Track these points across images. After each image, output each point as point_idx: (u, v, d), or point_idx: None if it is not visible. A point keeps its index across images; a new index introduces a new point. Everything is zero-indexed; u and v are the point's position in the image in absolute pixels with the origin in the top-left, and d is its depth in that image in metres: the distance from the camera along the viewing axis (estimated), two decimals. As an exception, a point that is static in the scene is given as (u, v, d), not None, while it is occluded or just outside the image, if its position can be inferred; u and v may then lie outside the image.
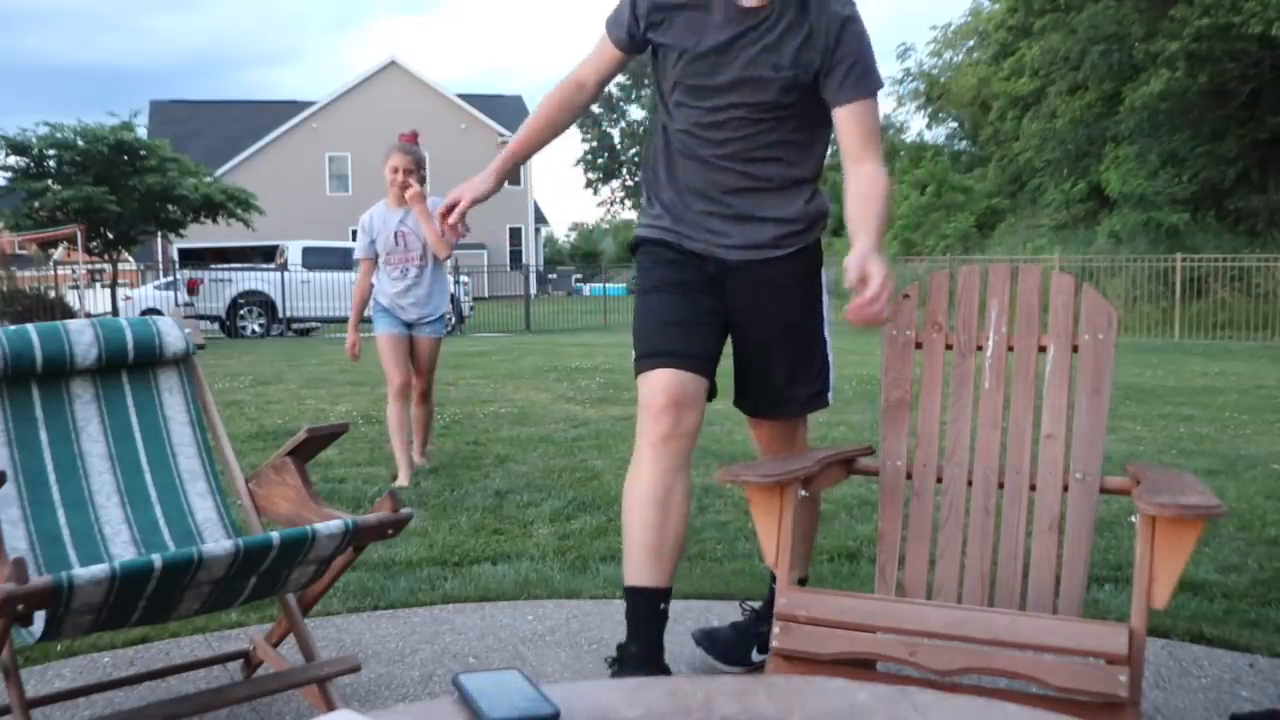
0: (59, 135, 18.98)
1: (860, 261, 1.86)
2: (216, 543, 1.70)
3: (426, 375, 4.79)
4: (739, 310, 2.25)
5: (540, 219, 39.70)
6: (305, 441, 2.21)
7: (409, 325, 4.68)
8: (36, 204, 19.25)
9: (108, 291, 20.26)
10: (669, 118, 2.22)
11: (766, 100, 2.09)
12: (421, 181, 4.61)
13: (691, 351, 2.15)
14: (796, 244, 2.23)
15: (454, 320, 18.73)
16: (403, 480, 4.57)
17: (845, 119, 2.06)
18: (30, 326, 2.27)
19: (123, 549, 2.20)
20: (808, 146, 2.19)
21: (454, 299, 18.65)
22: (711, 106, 2.13)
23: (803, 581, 2.35)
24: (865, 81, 2.05)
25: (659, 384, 2.11)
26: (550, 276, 37.34)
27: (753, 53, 2.06)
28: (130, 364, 2.37)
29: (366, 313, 4.78)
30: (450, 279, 4.86)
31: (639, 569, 2.09)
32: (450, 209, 2.24)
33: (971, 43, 29.80)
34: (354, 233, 4.85)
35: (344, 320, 18.02)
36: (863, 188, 2.04)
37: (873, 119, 2.07)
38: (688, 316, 2.19)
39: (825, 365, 2.34)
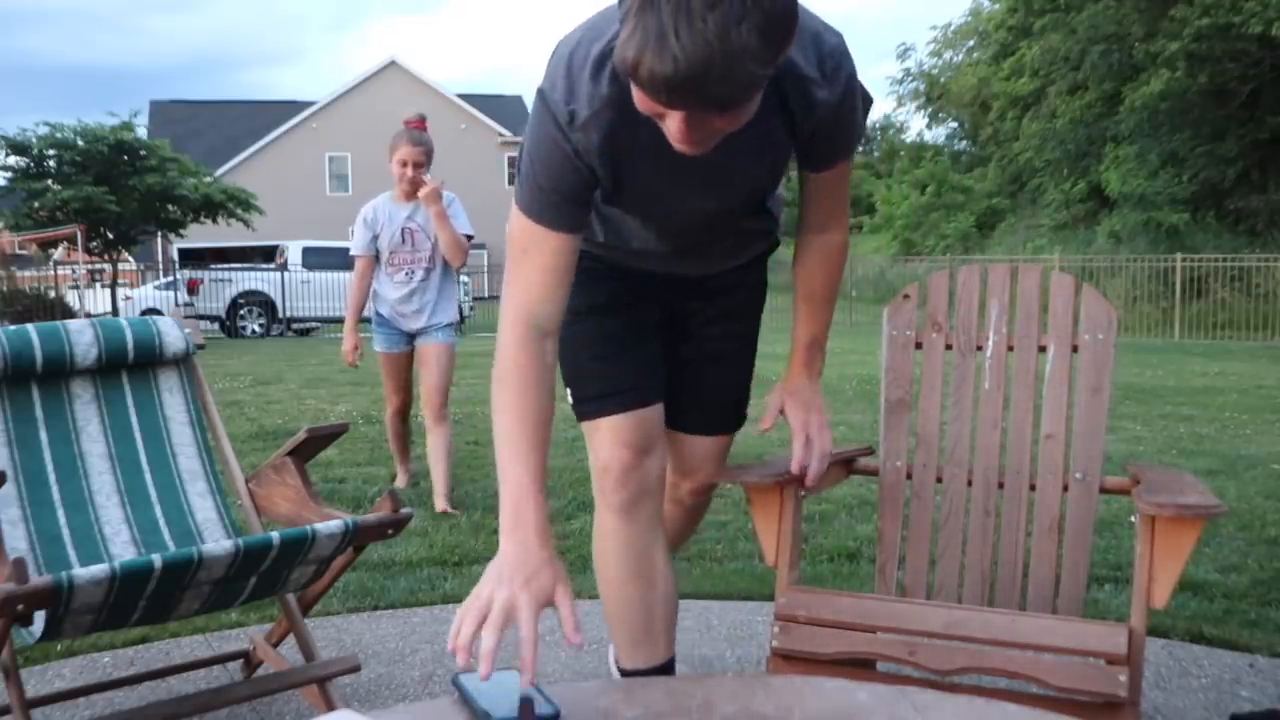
0: (59, 135, 18.99)
1: (804, 403, 1.73)
2: (216, 543, 1.70)
3: (438, 392, 4.10)
4: (692, 317, 1.86)
5: (540, 219, 39.69)
6: (305, 441, 2.21)
7: (412, 337, 4.15)
8: (36, 204, 19.25)
9: (108, 291, 20.26)
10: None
11: (740, 210, 1.65)
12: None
13: (644, 380, 1.75)
14: (760, 248, 1.87)
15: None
16: (400, 483, 4.43)
17: (816, 185, 1.61)
18: (30, 326, 2.27)
19: (123, 549, 2.20)
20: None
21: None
22: (670, 227, 1.66)
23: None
24: (845, 143, 1.55)
25: (616, 435, 1.70)
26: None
27: (721, 186, 1.54)
28: (130, 364, 2.37)
29: (366, 312, 4.25)
30: (458, 283, 4.19)
31: (630, 652, 1.78)
32: None
33: (971, 43, 29.84)
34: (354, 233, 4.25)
35: (344, 321, 17.88)
36: (823, 265, 1.71)
37: (846, 179, 1.65)
38: (631, 335, 1.77)
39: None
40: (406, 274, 4.09)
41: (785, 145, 1.49)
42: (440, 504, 4.08)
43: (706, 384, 1.89)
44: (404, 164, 4.00)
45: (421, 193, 3.97)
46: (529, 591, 1.18)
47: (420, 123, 4.10)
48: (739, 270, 1.85)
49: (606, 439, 1.71)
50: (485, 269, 30.17)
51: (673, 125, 1.14)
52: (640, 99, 1.13)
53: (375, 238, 4.10)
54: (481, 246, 33.29)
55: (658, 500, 1.77)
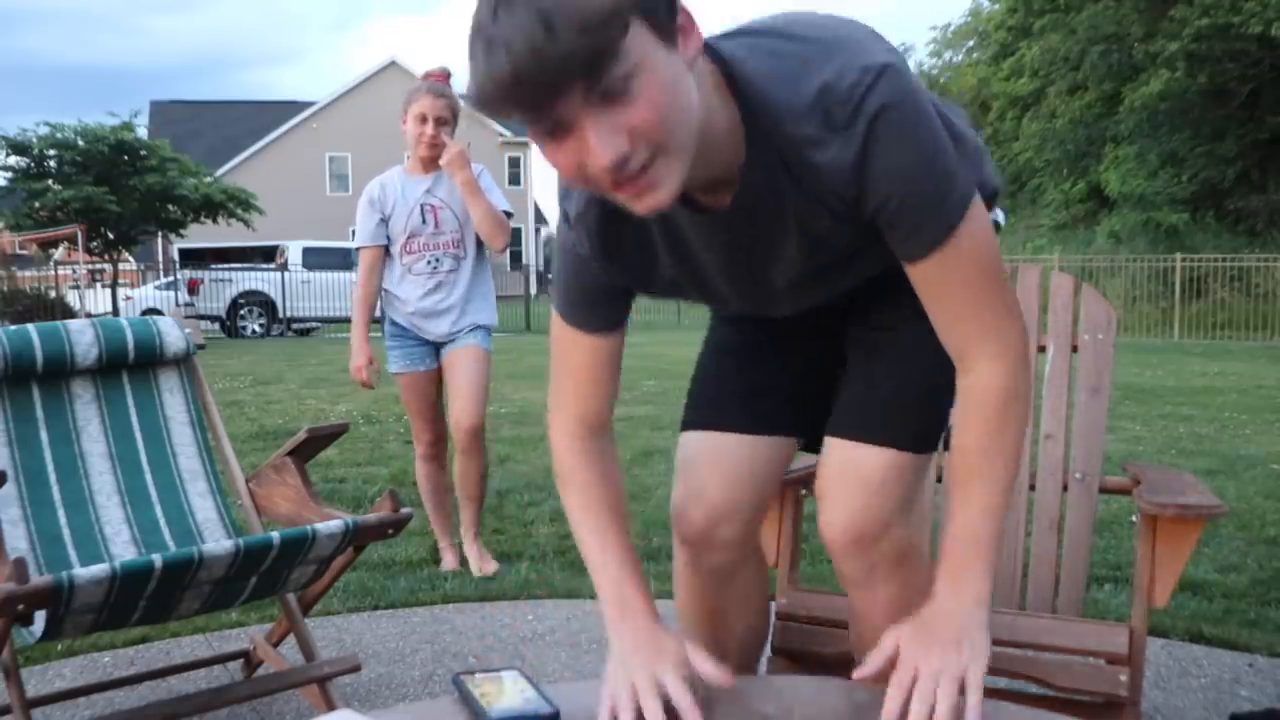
0: (59, 135, 19.00)
1: (929, 639, 1.10)
2: (217, 542, 1.70)
3: (472, 413, 3.14)
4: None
5: (540, 219, 39.68)
6: (305, 441, 2.21)
7: (439, 348, 3.23)
8: (37, 204, 19.26)
9: (108, 291, 20.26)
10: None
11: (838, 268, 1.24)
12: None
13: (754, 404, 1.47)
14: None
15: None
16: (449, 563, 3.29)
17: (923, 287, 1.13)
18: (31, 326, 2.27)
19: (123, 549, 2.20)
20: None
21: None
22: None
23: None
24: (918, 219, 1.06)
25: (695, 471, 1.46)
26: (550, 276, 37.33)
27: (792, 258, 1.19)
28: (131, 364, 2.37)
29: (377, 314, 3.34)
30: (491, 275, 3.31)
31: None
32: None
33: (971, 43, 29.84)
34: (354, 233, 3.43)
35: (345, 320, 18.03)
36: (970, 417, 1.15)
37: (970, 281, 1.10)
38: (752, 353, 1.50)
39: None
40: (430, 264, 3.15)
41: (827, 214, 1.10)
42: (476, 559, 3.25)
43: (856, 375, 1.40)
44: (422, 119, 3.07)
45: (444, 158, 3.07)
46: (666, 663, 1.10)
47: (443, 76, 3.17)
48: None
49: (687, 475, 1.47)
50: (485, 269, 30.15)
51: (589, 145, 0.92)
52: (540, 143, 0.95)
53: (385, 221, 3.16)
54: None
55: (734, 553, 1.48)
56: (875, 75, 0.99)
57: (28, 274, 19.12)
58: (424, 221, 3.15)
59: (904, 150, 1.01)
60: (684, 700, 1.05)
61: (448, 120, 3.11)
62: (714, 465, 1.44)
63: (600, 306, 1.26)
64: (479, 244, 3.21)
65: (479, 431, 3.17)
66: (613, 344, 1.29)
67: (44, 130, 19.07)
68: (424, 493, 3.39)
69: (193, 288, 18.59)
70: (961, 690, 1.02)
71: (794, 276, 1.22)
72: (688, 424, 1.50)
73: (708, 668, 1.09)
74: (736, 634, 1.58)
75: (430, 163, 3.15)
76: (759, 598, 1.61)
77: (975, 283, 1.10)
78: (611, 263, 1.21)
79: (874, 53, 1.01)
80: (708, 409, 1.49)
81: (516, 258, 35.58)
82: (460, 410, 3.14)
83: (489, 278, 3.27)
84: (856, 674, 1.10)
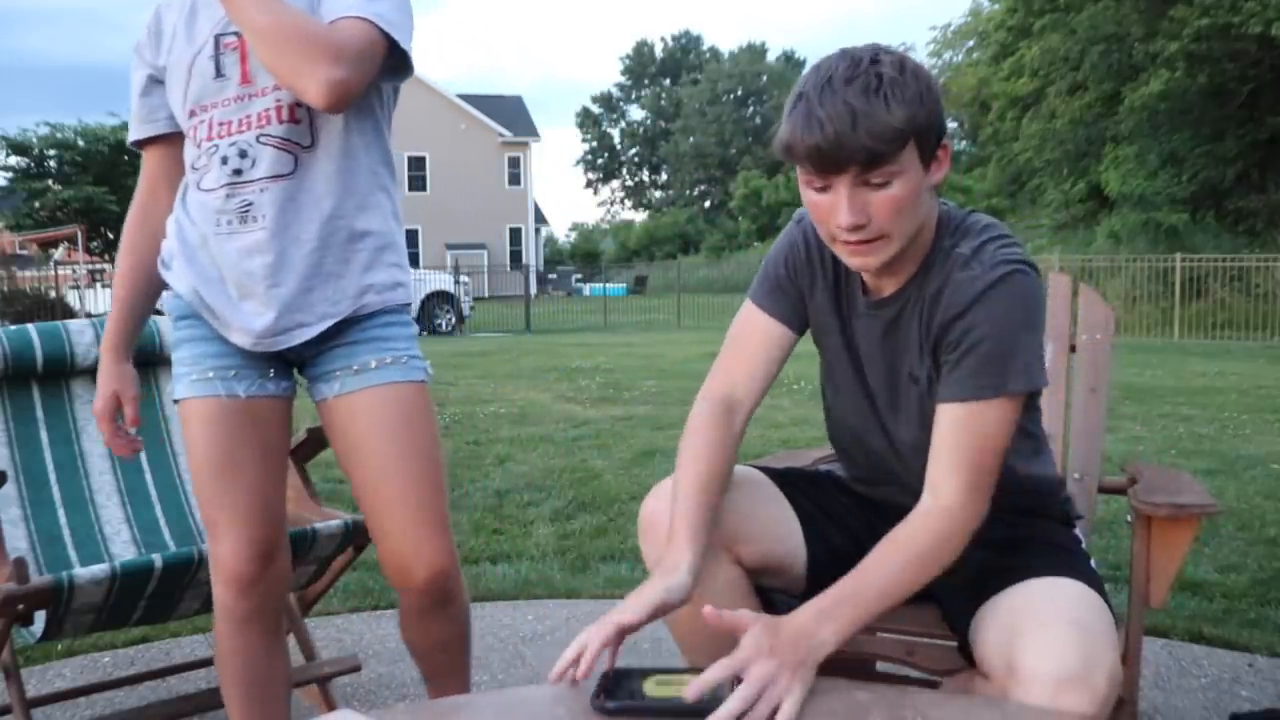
0: (59, 135, 19.05)
1: (775, 638, 1.11)
2: (217, 543, 1.70)
3: (430, 532, 1.56)
4: None
5: (540, 219, 39.68)
6: (305, 441, 2.21)
7: (289, 367, 1.62)
8: (37, 204, 19.30)
9: (108, 291, 20.24)
10: None
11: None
12: None
13: None
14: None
15: (454, 321, 18.66)
16: None
17: (936, 420, 1.31)
18: (31, 326, 2.27)
19: (123, 548, 2.20)
20: None
21: (454, 299, 18.59)
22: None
23: None
24: (976, 363, 1.27)
25: None
26: (550, 276, 37.34)
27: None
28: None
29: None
30: (396, 217, 1.61)
31: None
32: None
33: (971, 43, 29.84)
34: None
35: None
36: (912, 535, 1.26)
37: (977, 434, 1.27)
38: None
39: None
40: (240, 154, 1.49)
41: (927, 347, 1.34)
42: None
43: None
44: None
45: None
46: (614, 613, 1.18)
47: None
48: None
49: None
50: (485, 269, 30.19)
51: (839, 207, 1.23)
52: (806, 187, 1.26)
53: (152, 81, 1.59)
54: (481, 246, 33.34)
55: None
56: (1022, 256, 1.30)
57: (28, 274, 19.11)
58: (219, 71, 1.49)
59: (1011, 307, 1.27)
60: (589, 652, 1.13)
61: None
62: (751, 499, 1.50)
63: (785, 300, 1.46)
64: (356, 126, 1.53)
65: (449, 576, 1.59)
66: (781, 337, 1.46)
67: (44, 130, 19.18)
68: (232, 686, 1.60)
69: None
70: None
71: (890, 398, 1.43)
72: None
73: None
74: None
75: None
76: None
77: (981, 447, 1.28)
78: (810, 271, 1.44)
79: (1019, 248, 1.32)
80: (784, 469, 1.60)
81: (516, 257, 35.59)
82: (402, 539, 1.57)
83: (393, 215, 1.61)
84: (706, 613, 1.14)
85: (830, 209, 1.24)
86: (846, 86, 1.18)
